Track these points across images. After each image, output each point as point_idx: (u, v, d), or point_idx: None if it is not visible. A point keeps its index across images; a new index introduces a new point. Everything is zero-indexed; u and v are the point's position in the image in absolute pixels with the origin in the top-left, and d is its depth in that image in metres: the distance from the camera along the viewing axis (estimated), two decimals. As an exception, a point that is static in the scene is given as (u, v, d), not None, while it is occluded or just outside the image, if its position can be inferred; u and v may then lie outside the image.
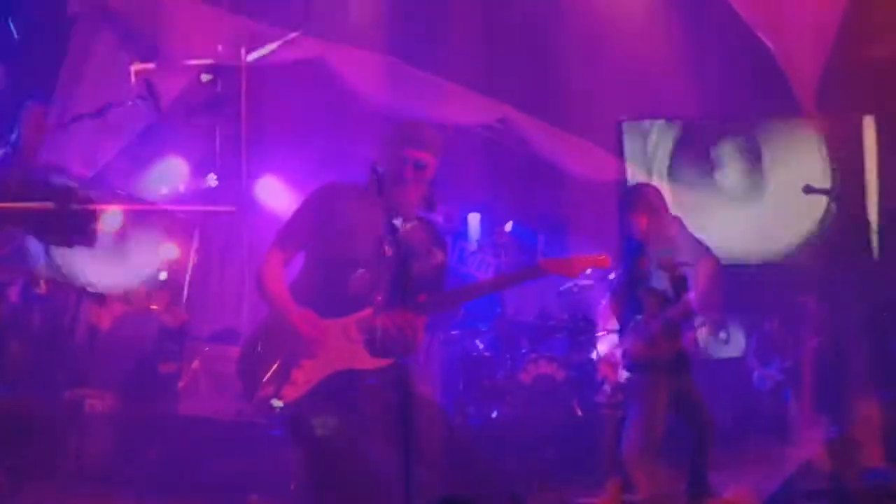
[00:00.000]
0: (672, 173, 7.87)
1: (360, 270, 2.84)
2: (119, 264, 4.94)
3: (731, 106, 7.88)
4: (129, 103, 4.83)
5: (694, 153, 7.74)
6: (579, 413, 6.16)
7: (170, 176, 6.53)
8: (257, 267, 3.01)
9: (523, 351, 6.77)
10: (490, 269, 7.70)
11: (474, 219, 8.54)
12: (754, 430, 7.19)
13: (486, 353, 6.82)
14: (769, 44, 6.36)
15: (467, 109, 6.83)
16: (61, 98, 5.20)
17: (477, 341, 7.03)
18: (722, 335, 8.04)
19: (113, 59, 5.34)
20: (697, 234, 4.74)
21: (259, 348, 2.91)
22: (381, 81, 6.20)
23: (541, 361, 6.41)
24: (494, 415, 6.24)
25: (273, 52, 5.69)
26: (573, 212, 8.14)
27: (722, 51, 7.42)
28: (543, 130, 7.26)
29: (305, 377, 2.74)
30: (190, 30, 5.50)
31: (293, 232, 3.03)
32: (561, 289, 6.92)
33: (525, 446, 5.66)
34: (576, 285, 6.71)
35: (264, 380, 2.74)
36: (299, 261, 3.08)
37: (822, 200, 5.98)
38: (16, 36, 5.34)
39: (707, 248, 4.58)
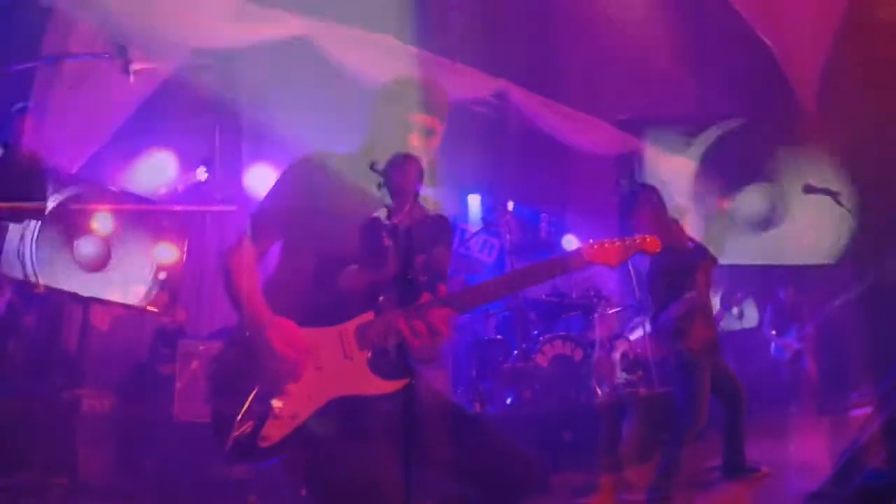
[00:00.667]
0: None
1: (354, 264, 2.27)
2: (113, 267, 4.57)
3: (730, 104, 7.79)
4: (90, 57, 4.62)
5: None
6: (600, 393, 6.10)
7: (161, 171, 6.43)
8: (224, 262, 2.32)
9: (536, 332, 6.62)
10: (494, 250, 7.59)
11: (474, 200, 8.61)
12: (777, 401, 7.17)
13: (499, 337, 6.67)
14: (769, 43, 6.32)
15: (463, 84, 6.53)
16: (38, 95, 4.83)
17: (487, 324, 6.92)
18: (735, 310, 7.93)
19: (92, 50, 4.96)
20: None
21: (230, 371, 2.22)
22: (373, 58, 5.90)
23: (556, 342, 6.27)
24: (509, 401, 6.06)
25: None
26: (576, 188, 8.07)
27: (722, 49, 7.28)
28: (543, 104, 7.15)
29: (292, 409, 2.09)
30: (177, 12, 5.14)
31: (267, 217, 2.39)
32: None
33: (545, 431, 5.46)
34: None
35: (238, 416, 2.07)
36: (275, 255, 2.48)
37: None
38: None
39: (706, 250, 4.64)
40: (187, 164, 6.32)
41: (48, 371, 4.63)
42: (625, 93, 7.15)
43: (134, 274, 4.63)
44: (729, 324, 7.76)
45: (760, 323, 8.25)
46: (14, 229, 3.90)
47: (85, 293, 4.32)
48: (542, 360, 6.10)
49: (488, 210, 7.91)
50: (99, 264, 4.45)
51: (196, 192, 6.01)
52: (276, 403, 2.08)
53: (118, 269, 4.54)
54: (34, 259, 4.05)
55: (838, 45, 6.23)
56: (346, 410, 2.12)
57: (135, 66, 4.37)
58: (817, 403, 7.12)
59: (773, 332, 8.06)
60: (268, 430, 2.05)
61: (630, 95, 7.33)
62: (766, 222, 7.34)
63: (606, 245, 2.29)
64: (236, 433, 2.05)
